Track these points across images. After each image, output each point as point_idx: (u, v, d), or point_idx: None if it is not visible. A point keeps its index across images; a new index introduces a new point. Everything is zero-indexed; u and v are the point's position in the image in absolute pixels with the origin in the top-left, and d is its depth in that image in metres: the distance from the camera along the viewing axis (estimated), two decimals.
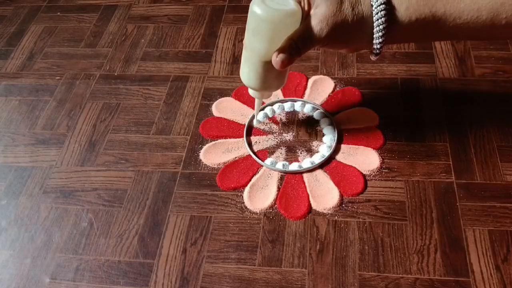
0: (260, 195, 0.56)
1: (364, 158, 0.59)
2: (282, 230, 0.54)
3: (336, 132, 0.61)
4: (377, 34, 0.49)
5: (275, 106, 0.65)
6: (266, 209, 0.55)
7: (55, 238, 0.55)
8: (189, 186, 0.58)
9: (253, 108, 0.65)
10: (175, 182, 0.59)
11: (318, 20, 0.48)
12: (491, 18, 0.46)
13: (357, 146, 0.60)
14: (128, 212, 0.57)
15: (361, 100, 0.65)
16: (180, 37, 0.78)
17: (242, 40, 0.76)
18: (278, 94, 0.67)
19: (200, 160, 0.61)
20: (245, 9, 0.81)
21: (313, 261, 0.51)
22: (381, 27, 0.48)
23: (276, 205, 0.55)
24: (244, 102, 0.67)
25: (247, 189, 0.57)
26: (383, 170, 0.57)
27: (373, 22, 0.48)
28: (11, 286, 0.52)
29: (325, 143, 0.60)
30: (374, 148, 0.59)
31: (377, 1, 0.48)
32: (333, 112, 0.64)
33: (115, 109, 0.68)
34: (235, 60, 0.73)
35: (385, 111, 0.63)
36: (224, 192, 0.57)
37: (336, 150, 0.60)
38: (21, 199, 0.59)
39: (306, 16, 0.49)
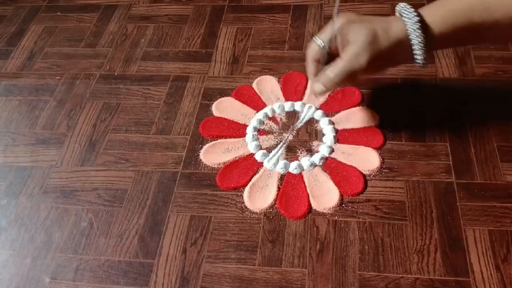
0: (260, 195, 0.56)
1: (364, 158, 0.59)
2: (282, 230, 0.54)
3: (336, 132, 0.61)
4: (416, 52, 0.51)
5: (275, 106, 0.65)
6: (266, 209, 0.55)
7: (55, 238, 0.55)
8: (189, 186, 0.58)
9: (253, 108, 0.66)
10: (175, 182, 0.59)
11: (354, 55, 0.51)
12: None
13: (357, 146, 0.60)
14: (128, 212, 0.57)
15: (361, 100, 0.65)
16: (180, 37, 0.78)
17: (242, 40, 0.76)
18: (278, 94, 0.67)
19: (200, 160, 0.61)
20: (245, 9, 0.82)
21: (313, 261, 0.51)
22: (419, 44, 0.50)
23: (276, 205, 0.55)
24: (244, 102, 0.67)
25: (247, 189, 0.57)
26: (383, 170, 0.57)
27: (410, 41, 0.51)
28: (11, 286, 0.52)
29: (325, 143, 0.60)
30: (374, 148, 0.59)
31: (410, 21, 0.50)
32: (333, 112, 0.64)
33: (115, 109, 0.68)
34: (235, 60, 0.73)
35: (385, 111, 0.63)
36: (224, 192, 0.57)
37: (336, 150, 0.60)
38: (21, 199, 0.59)
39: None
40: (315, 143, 0.61)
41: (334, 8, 0.53)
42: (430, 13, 0.51)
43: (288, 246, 0.52)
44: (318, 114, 0.64)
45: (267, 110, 0.65)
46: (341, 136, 0.61)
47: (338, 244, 0.52)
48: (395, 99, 0.65)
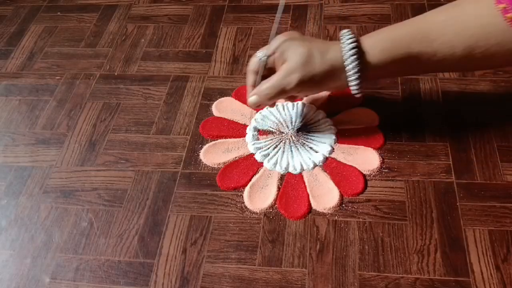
0: (260, 195, 0.56)
1: (364, 158, 0.59)
2: (282, 230, 0.54)
3: (336, 132, 0.61)
4: (351, 78, 0.51)
5: (276, 106, 0.65)
6: (266, 209, 0.55)
7: (55, 238, 0.55)
8: (189, 186, 0.58)
9: (253, 109, 0.66)
10: (175, 182, 0.59)
11: (287, 73, 0.51)
12: (466, 54, 0.48)
13: (357, 146, 0.60)
14: (128, 212, 0.57)
15: (361, 100, 0.65)
16: (180, 37, 0.78)
17: (242, 40, 0.76)
18: None
19: (200, 160, 0.61)
20: (245, 9, 0.82)
21: (313, 261, 0.51)
22: (353, 71, 0.50)
23: (276, 205, 0.55)
24: (244, 102, 0.66)
25: (247, 189, 0.57)
26: (383, 170, 0.57)
27: (345, 68, 0.50)
28: (11, 286, 0.52)
29: (325, 143, 0.60)
30: (374, 148, 0.59)
31: (346, 47, 0.50)
32: (333, 112, 0.64)
33: (115, 109, 0.68)
34: (235, 60, 0.73)
35: (385, 111, 0.63)
36: (224, 192, 0.57)
37: (336, 150, 0.60)
38: (21, 199, 0.59)
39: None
40: (315, 143, 0.61)
41: (273, 23, 0.53)
42: (369, 41, 0.51)
43: (288, 246, 0.52)
44: (318, 114, 0.64)
45: (268, 110, 0.65)
46: (341, 136, 0.61)
47: (338, 244, 0.52)
48: (395, 99, 0.65)
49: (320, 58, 0.50)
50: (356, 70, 0.50)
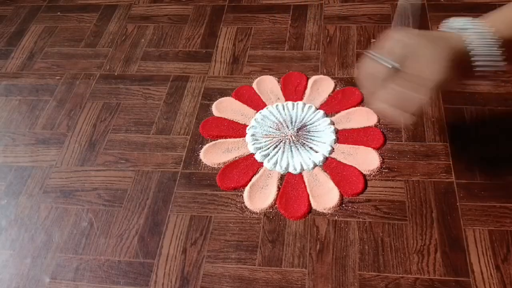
0: (260, 195, 0.56)
1: (364, 158, 0.59)
2: (282, 230, 0.54)
3: (336, 132, 0.61)
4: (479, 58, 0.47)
5: (276, 106, 0.65)
6: (266, 209, 0.55)
7: (55, 238, 0.55)
8: (189, 186, 0.58)
9: (253, 108, 0.66)
10: (175, 182, 0.59)
11: (423, 72, 0.46)
12: None
13: (357, 146, 0.60)
14: (128, 212, 0.57)
15: (361, 100, 0.65)
16: (180, 37, 0.78)
17: (242, 40, 0.76)
18: (278, 94, 0.67)
19: (200, 160, 0.61)
20: (245, 9, 0.82)
21: (313, 261, 0.51)
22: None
23: (276, 205, 0.55)
24: (244, 102, 0.67)
25: (247, 189, 0.57)
26: (383, 170, 0.57)
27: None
28: (11, 285, 0.52)
29: (325, 143, 0.60)
30: (374, 148, 0.59)
31: (471, 29, 0.47)
32: (333, 112, 0.64)
33: (115, 109, 0.68)
34: (235, 60, 0.73)
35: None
36: (224, 192, 0.57)
37: (336, 150, 0.60)
38: (21, 199, 0.59)
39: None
40: (315, 143, 0.61)
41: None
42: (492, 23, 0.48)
43: (288, 246, 0.52)
44: (318, 114, 0.64)
45: (269, 109, 0.65)
46: (341, 136, 0.61)
47: (338, 244, 0.52)
48: None
49: (444, 46, 0.47)
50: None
